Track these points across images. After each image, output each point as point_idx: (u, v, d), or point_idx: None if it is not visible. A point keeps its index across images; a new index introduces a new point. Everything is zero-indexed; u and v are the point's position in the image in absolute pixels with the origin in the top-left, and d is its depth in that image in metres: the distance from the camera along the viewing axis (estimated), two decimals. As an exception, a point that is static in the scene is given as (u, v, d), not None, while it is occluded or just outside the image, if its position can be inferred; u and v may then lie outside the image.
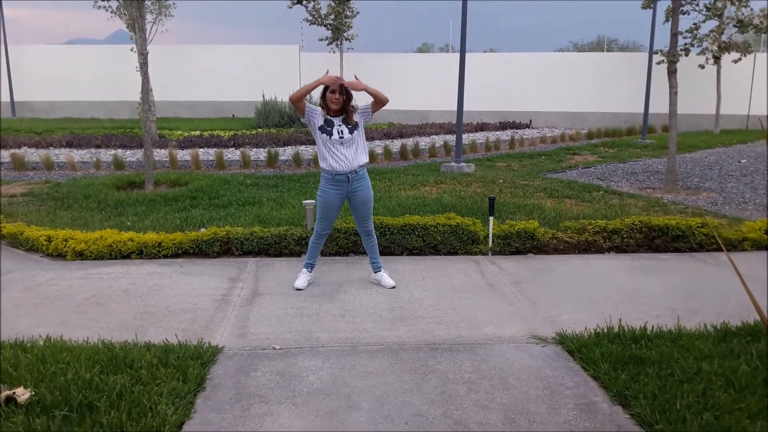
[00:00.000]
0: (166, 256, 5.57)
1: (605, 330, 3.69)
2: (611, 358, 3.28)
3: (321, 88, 4.45)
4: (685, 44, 17.17)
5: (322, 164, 4.53)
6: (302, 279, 4.74)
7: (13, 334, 3.66)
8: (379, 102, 4.46)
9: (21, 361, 3.13)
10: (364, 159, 4.56)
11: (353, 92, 4.48)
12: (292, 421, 2.78)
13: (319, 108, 4.52)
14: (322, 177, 4.59)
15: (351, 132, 4.47)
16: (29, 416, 2.63)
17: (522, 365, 3.36)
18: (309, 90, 4.49)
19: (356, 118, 4.51)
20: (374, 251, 4.83)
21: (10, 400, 2.68)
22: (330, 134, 4.44)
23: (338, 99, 4.40)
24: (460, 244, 5.73)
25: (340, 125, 4.46)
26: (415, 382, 3.15)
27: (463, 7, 10.54)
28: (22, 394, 2.71)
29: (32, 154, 12.42)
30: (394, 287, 4.69)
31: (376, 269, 4.84)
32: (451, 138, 15.40)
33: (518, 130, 19.23)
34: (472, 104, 18.87)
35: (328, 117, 4.48)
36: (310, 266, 4.82)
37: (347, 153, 4.46)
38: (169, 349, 3.41)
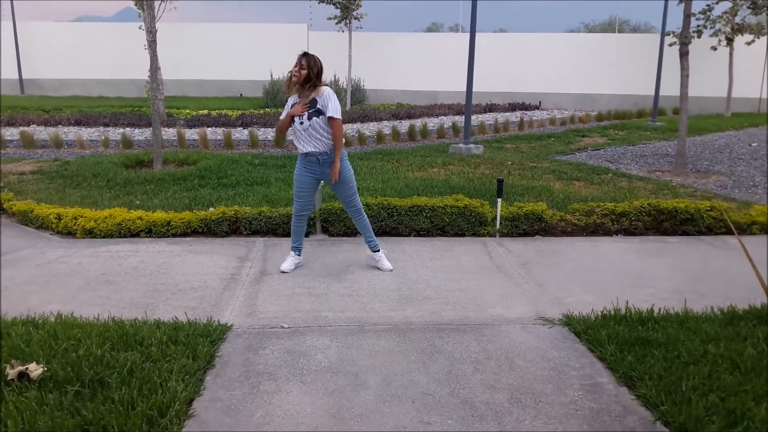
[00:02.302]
0: (174, 235, 5.60)
1: (612, 312, 3.70)
2: (617, 339, 3.29)
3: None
4: (698, 26, 16.89)
5: (296, 145, 4.55)
6: (289, 262, 4.68)
7: (24, 311, 3.71)
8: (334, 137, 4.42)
9: (33, 337, 3.18)
10: (322, 147, 4.40)
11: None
12: (300, 399, 2.82)
13: (293, 96, 4.47)
14: (298, 157, 4.59)
15: (309, 117, 4.35)
16: (42, 391, 2.67)
17: (528, 346, 3.38)
18: (282, 122, 4.49)
19: (319, 102, 4.35)
20: (367, 230, 4.74)
21: (23, 375, 2.73)
22: (292, 120, 4.42)
23: (296, 73, 4.27)
24: (467, 225, 5.73)
25: (303, 106, 4.39)
26: (422, 362, 3.18)
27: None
28: (35, 369, 2.75)
29: (41, 132, 12.46)
30: (392, 270, 4.66)
31: (374, 248, 4.74)
32: (459, 119, 15.33)
33: (527, 112, 19.09)
34: (482, 85, 18.72)
35: (297, 100, 4.43)
36: (296, 249, 4.74)
37: (309, 137, 4.39)
38: (179, 327, 3.44)
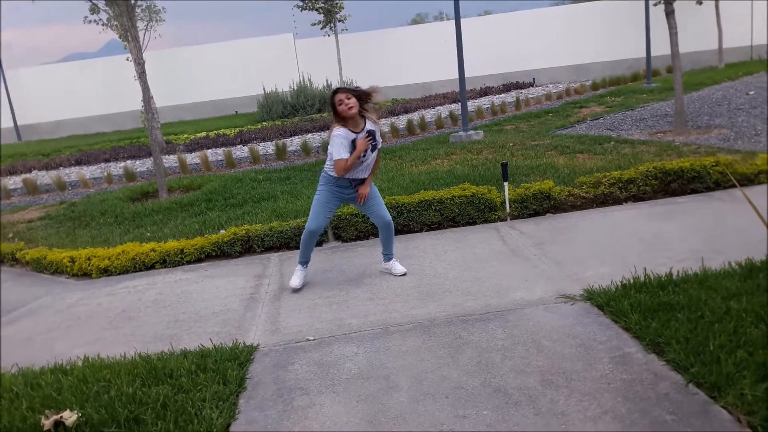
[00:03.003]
0: (189, 262, 5.64)
1: (631, 281, 3.69)
2: (640, 307, 3.29)
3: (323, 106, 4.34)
4: (681, -20, 16.74)
5: (328, 171, 4.32)
6: (298, 276, 4.54)
7: (51, 359, 3.74)
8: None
9: (63, 384, 3.21)
10: (367, 174, 4.39)
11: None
12: (335, 409, 2.84)
13: (343, 129, 4.18)
14: (323, 177, 4.40)
15: (373, 150, 4.27)
16: (81, 435, 2.71)
17: (553, 326, 3.38)
18: (354, 162, 4.20)
19: (376, 134, 4.28)
20: (390, 243, 4.61)
21: (59, 424, 2.76)
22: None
23: (350, 103, 4.08)
24: (477, 213, 5.73)
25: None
26: (450, 356, 3.19)
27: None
28: (69, 416, 2.78)
29: (43, 177, 12.58)
30: (404, 274, 4.54)
31: (388, 260, 4.65)
32: (456, 107, 15.29)
33: (522, 90, 19.02)
34: (474, 70, 18.66)
35: (353, 135, 4.18)
36: (304, 263, 4.58)
37: (366, 168, 4.32)
38: (206, 354, 3.47)
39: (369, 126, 4.27)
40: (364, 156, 4.24)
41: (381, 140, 4.40)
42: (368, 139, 4.21)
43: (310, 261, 4.64)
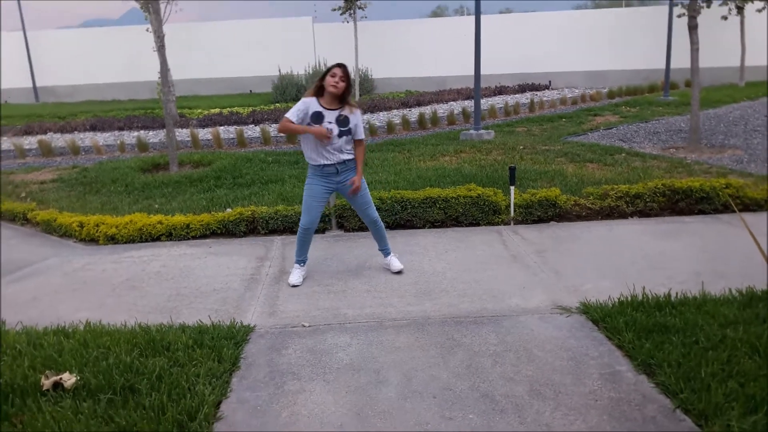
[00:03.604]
0: (194, 238, 5.71)
1: (629, 298, 3.72)
2: (635, 326, 3.32)
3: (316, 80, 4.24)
4: (708, -5, 16.59)
5: (308, 160, 4.33)
6: (297, 274, 4.46)
7: (54, 320, 3.83)
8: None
9: (65, 346, 3.29)
10: (347, 155, 4.30)
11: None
12: (324, 397, 2.90)
13: (311, 99, 4.22)
14: (309, 168, 4.38)
15: (341, 135, 4.20)
16: (76, 400, 2.78)
17: (547, 336, 3.43)
18: (295, 131, 4.24)
19: (351, 122, 4.23)
20: (383, 239, 4.61)
21: (58, 385, 2.84)
22: None
23: (337, 84, 4.10)
24: (481, 214, 5.76)
25: (331, 123, 4.17)
26: (441, 356, 3.24)
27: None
28: (68, 379, 2.86)
29: (58, 140, 12.66)
30: (400, 271, 4.53)
31: (386, 255, 4.65)
32: (469, 104, 15.26)
33: (537, 92, 18.93)
34: (490, 68, 18.58)
35: (320, 109, 4.18)
36: (302, 262, 4.52)
37: (335, 151, 4.24)
38: (204, 330, 3.54)
39: (345, 112, 4.23)
40: (331, 141, 4.17)
41: (362, 130, 4.33)
42: (338, 120, 4.18)
43: (306, 260, 4.55)
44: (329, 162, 4.25)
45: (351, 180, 4.35)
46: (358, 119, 4.30)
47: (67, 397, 2.81)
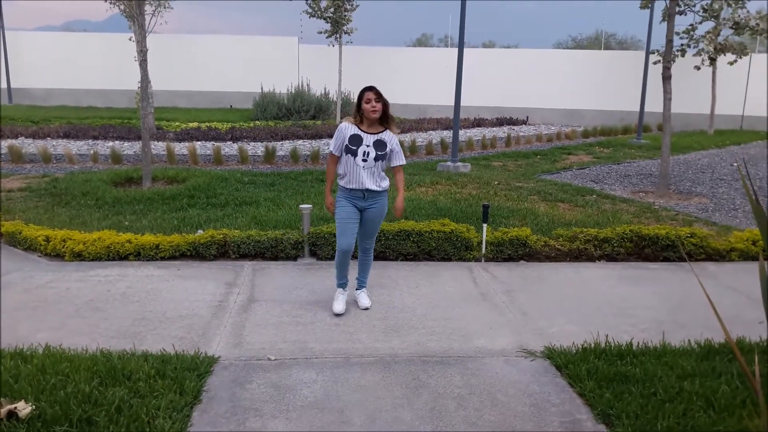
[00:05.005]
0: (163, 258, 5.63)
1: (592, 345, 3.79)
2: (597, 375, 3.38)
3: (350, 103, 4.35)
4: (682, 45, 17.21)
5: (339, 181, 4.33)
6: (340, 302, 4.42)
7: (13, 340, 3.73)
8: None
9: (21, 371, 3.21)
10: (380, 187, 4.29)
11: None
12: (286, 436, 2.87)
13: (350, 124, 4.26)
14: (338, 188, 4.37)
15: (377, 159, 4.19)
16: None
17: (510, 380, 3.46)
18: (327, 181, 4.46)
19: (388, 147, 4.23)
20: (365, 270, 4.62)
21: (12, 414, 2.76)
22: (354, 154, 4.18)
23: (375, 107, 4.11)
24: (454, 250, 5.81)
25: (369, 146, 4.17)
26: (406, 397, 3.25)
27: (462, 5, 10.57)
28: (24, 408, 2.78)
29: (29, 145, 12.43)
30: (367, 309, 4.50)
31: (359, 286, 4.64)
32: (448, 134, 15.45)
33: (515, 127, 19.29)
34: (470, 99, 18.93)
35: (359, 131, 4.20)
36: (343, 285, 4.49)
37: (370, 175, 4.22)
38: (167, 360, 3.48)
39: (384, 136, 4.23)
40: (365, 158, 4.17)
41: (400, 156, 4.34)
42: (377, 102, 4.13)
43: (348, 282, 4.53)
44: (359, 188, 4.24)
45: (395, 206, 4.41)
46: (395, 144, 4.28)
47: (21, 428, 2.73)
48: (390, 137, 4.28)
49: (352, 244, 4.34)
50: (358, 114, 4.23)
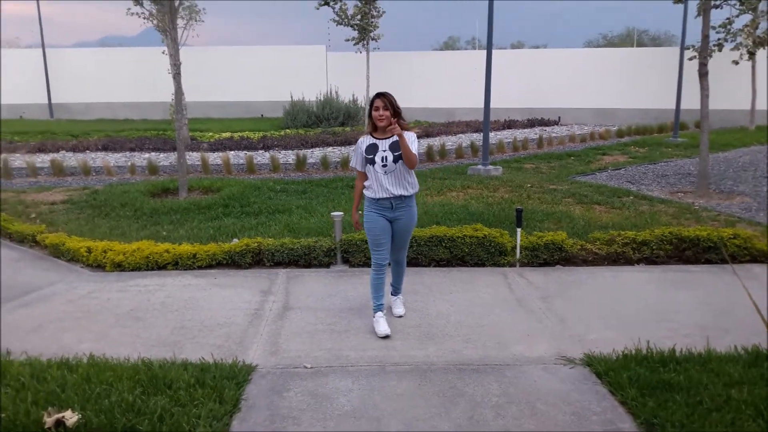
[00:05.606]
0: (200, 267, 5.73)
1: (633, 352, 3.70)
2: (639, 382, 3.30)
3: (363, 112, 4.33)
4: (718, 39, 16.78)
5: (366, 192, 4.26)
6: (382, 324, 4.22)
7: (59, 350, 3.84)
8: (406, 159, 4.10)
9: (68, 381, 3.30)
10: (407, 191, 4.20)
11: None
12: (324, 445, 2.88)
13: (364, 137, 4.26)
14: (365, 200, 4.32)
15: (396, 161, 4.10)
16: (77, 438, 2.78)
17: (550, 388, 3.41)
18: (355, 200, 4.46)
19: (412, 142, 4.11)
20: (399, 280, 4.58)
21: (60, 423, 2.84)
22: (372, 162, 4.15)
23: (383, 115, 4.06)
24: (487, 255, 5.76)
25: (385, 150, 4.12)
26: (443, 406, 3.22)
27: (489, 5, 10.51)
28: (71, 417, 2.86)
29: (70, 159, 12.81)
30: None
31: (394, 293, 4.62)
32: (477, 137, 15.36)
33: (546, 128, 19.06)
34: (500, 101, 18.78)
35: (374, 140, 4.18)
36: (380, 308, 4.30)
37: (395, 180, 4.15)
38: (206, 369, 3.54)
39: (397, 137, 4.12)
40: (384, 164, 4.12)
41: (415, 146, 4.13)
42: (384, 110, 4.06)
43: (384, 304, 4.36)
44: (385, 196, 4.15)
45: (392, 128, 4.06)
46: (411, 137, 4.15)
47: (68, 435, 2.81)
48: (405, 136, 4.12)
49: (387, 258, 4.31)
50: (370, 120, 4.25)
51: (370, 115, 4.21)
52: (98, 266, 5.83)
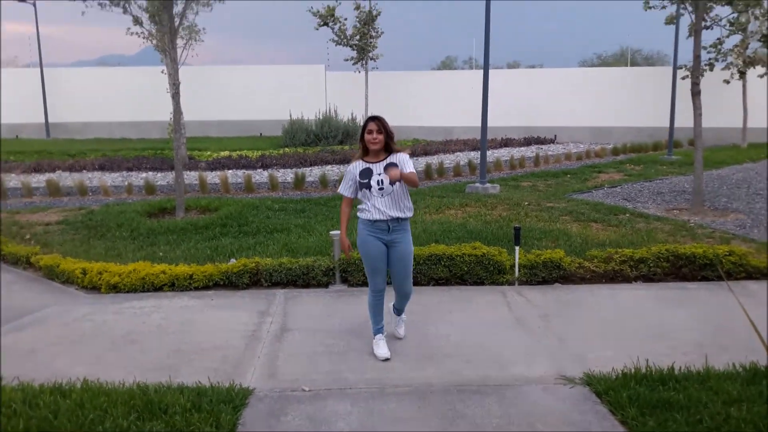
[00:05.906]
0: (197, 288, 5.70)
1: (632, 371, 3.68)
2: (639, 402, 3.28)
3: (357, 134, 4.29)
4: (710, 59, 16.96)
5: (361, 215, 4.17)
6: (382, 347, 4.18)
7: (51, 375, 3.79)
8: (410, 184, 4.06)
9: (61, 407, 3.25)
10: (404, 213, 4.12)
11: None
12: (322, 470, 2.84)
13: (357, 162, 4.18)
14: (359, 223, 4.19)
15: (393, 183, 4.03)
16: (71, 465, 2.74)
17: (550, 409, 3.38)
18: (342, 225, 4.32)
19: (399, 162, 4.06)
20: (404, 302, 4.43)
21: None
22: (369, 187, 4.08)
23: (377, 139, 4.03)
24: (486, 274, 5.75)
25: (380, 174, 4.05)
26: (443, 428, 3.19)
27: (486, 26, 10.63)
28: (65, 443, 2.82)
29: (66, 178, 12.80)
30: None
31: (396, 314, 4.49)
32: (475, 155, 15.42)
33: (543, 146, 19.17)
34: (497, 120, 18.90)
35: (367, 164, 4.12)
36: (380, 330, 4.26)
37: (392, 202, 4.08)
38: (202, 392, 3.50)
39: (392, 159, 4.10)
40: (381, 187, 4.06)
41: (410, 165, 4.10)
42: (378, 134, 4.04)
43: (384, 327, 4.31)
44: (383, 218, 4.07)
45: (392, 169, 3.96)
46: (405, 159, 4.12)
47: (61, 462, 2.77)
48: (398, 157, 4.13)
49: (383, 282, 4.21)
50: (362, 144, 4.18)
51: (361, 138, 4.16)
52: (93, 288, 5.79)
